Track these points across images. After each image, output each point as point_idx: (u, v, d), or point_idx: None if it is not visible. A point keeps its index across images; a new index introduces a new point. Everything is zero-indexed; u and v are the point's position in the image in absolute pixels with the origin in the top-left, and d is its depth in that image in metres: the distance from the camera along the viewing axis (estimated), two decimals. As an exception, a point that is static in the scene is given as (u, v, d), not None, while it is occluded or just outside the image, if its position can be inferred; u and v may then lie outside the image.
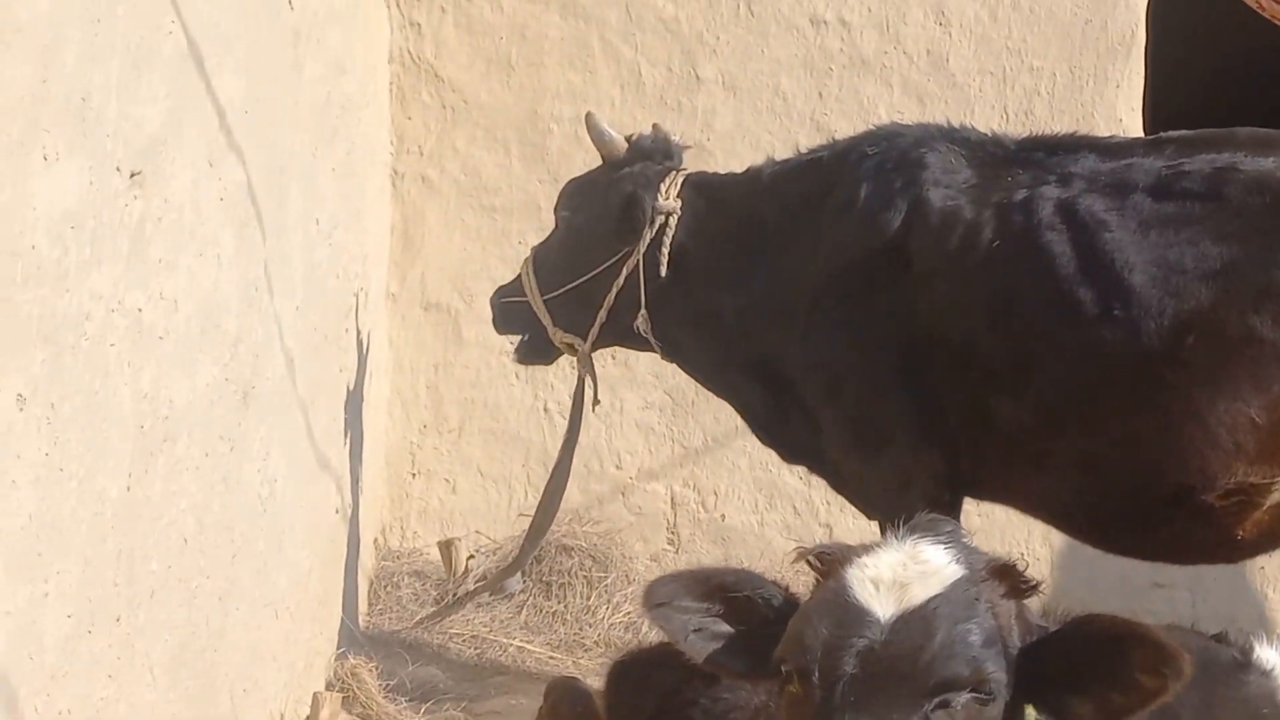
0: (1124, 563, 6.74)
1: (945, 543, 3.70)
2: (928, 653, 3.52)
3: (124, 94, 4.21)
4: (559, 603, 7.86)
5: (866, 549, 3.70)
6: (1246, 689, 4.00)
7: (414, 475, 8.49)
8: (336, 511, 7.17)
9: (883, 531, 3.77)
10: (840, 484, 6.27)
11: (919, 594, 3.59)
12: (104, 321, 4.23)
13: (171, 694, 4.77)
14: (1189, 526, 5.59)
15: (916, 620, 3.55)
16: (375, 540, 8.27)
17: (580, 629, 7.69)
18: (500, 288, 6.83)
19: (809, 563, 3.85)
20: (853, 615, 3.56)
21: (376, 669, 6.96)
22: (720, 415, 7.80)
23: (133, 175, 4.30)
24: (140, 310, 4.50)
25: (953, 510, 5.60)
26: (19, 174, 3.72)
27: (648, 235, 6.19)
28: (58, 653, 3.98)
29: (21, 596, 3.80)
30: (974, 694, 3.55)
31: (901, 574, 3.61)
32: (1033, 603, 3.69)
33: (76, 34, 3.98)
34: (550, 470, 7.26)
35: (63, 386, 3.99)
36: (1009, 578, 3.69)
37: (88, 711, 4.10)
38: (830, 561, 3.75)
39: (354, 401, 7.45)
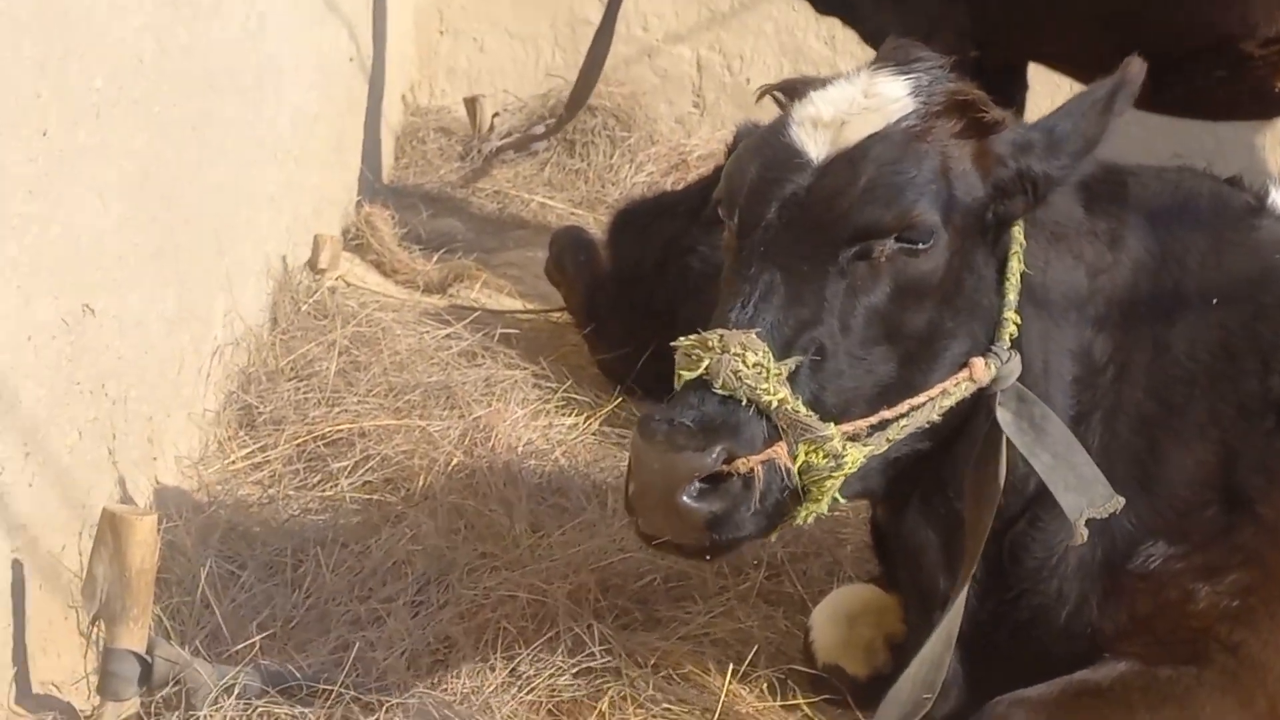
0: (1144, 133, 6.24)
1: (907, 74, 3.25)
2: (848, 197, 3.08)
3: None
4: (582, 160, 7.51)
5: (827, 82, 3.29)
6: (1258, 233, 3.56)
7: (442, 33, 8.03)
8: (351, 60, 6.70)
9: None
10: (868, 35, 5.82)
11: (856, 133, 3.14)
12: None
13: (128, 223, 4.21)
14: (1226, 77, 5.22)
15: (844, 162, 3.12)
16: (404, 96, 7.87)
17: (602, 186, 7.33)
18: None
19: (774, 98, 3.54)
20: (782, 157, 3.16)
21: (394, 218, 6.61)
22: (749, -25, 7.40)
23: None
24: None
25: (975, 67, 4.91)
26: None
27: None
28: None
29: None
30: (901, 242, 3.10)
31: (844, 110, 3.17)
32: None
33: None
34: (592, 37, 6.83)
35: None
36: (967, 112, 3.21)
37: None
38: (795, 96, 3.34)
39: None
